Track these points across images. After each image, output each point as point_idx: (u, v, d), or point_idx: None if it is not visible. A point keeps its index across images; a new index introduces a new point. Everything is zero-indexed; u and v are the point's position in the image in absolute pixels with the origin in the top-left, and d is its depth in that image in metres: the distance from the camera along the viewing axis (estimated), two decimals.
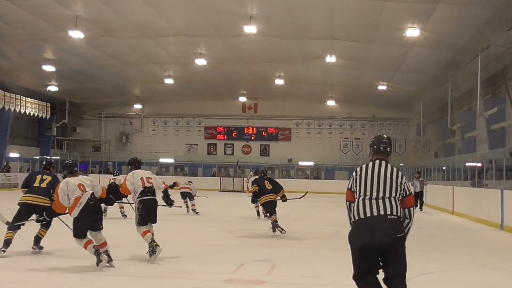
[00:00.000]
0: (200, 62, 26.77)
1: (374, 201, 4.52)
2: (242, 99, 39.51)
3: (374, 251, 4.47)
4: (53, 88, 33.46)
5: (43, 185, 8.50)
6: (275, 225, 11.39)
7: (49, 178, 8.63)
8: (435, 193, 22.45)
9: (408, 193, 4.68)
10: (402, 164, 35.38)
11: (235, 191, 34.17)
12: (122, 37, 23.59)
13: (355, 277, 4.59)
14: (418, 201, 20.00)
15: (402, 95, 33.36)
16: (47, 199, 8.32)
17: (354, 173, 4.78)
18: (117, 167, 35.36)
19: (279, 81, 31.46)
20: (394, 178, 4.60)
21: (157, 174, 39.88)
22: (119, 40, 24.13)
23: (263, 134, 40.78)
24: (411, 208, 4.72)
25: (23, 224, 8.38)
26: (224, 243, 10.48)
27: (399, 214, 4.52)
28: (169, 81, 32.07)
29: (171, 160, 40.27)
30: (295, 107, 39.38)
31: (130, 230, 9.11)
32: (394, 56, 24.51)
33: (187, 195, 16.67)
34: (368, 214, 4.48)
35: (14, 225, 8.24)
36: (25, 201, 8.41)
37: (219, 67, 29.10)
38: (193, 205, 16.68)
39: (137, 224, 8.18)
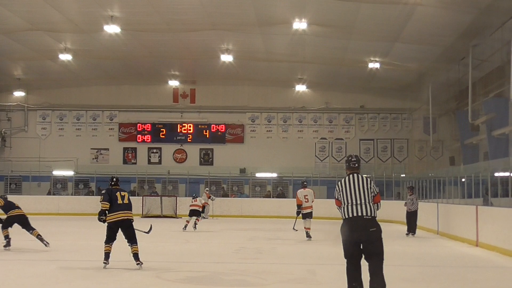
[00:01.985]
0: (112, 29, 26.82)
1: (354, 206, 8.65)
2: (173, 83, 39.73)
3: (354, 241, 8.59)
4: None
5: (125, 200, 13.06)
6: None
7: (126, 193, 13.26)
8: (453, 216, 22.60)
9: (375, 193, 8.82)
10: (403, 175, 35.93)
11: (165, 216, 34.06)
12: None
13: (345, 256, 8.71)
14: (410, 223, 23.85)
15: (402, 76, 33.81)
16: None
17: (337, 186, 8.95)
18: None
19: (227, 57, 31.69)
20: (366, 187, 8.78)
21: (49, 193, 39.45)
22: None
23: (204, 133, 40.79)
24: (378, 203, 8.82)
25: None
26: None
27: (373, 215, 8.66)
28: (66, 57, 31.99)
29: (70, 173, 40.14)
30: (250, 94, 39.76)
31: None
32: (391, 19, 24.67)
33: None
34: (351, 215, 8.64)
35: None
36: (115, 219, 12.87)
37: (139, 37, 29.31)
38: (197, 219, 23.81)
39: None
